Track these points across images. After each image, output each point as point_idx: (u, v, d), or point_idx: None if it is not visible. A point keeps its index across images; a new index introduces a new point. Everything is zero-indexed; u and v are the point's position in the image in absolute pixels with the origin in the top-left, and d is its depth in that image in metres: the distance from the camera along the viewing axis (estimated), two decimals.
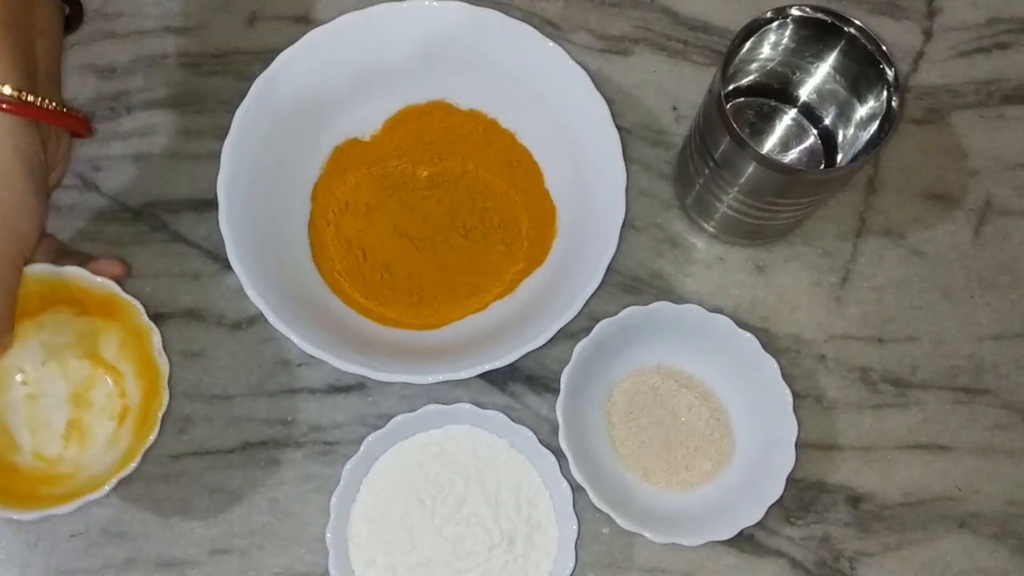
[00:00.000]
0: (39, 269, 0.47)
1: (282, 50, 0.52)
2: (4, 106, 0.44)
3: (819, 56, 0.50)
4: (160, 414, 0.46)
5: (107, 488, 0.45)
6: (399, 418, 0.50)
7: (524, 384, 0.54)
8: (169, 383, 0.47)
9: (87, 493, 0.45)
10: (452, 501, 0.50)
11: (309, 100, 0.53)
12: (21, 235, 0.45)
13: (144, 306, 0.53)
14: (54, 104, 0.46)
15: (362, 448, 0.49)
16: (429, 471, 0.50)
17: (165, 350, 0.49)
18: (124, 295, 0.47)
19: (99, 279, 0.47)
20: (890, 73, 0.46)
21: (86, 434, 0.50)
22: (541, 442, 0.50)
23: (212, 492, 0.52)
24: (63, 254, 0.51)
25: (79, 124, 0.49)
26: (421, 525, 0.49)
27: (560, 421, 0.49)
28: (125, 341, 0.50)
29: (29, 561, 0.50)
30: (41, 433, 0.49)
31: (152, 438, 0.46)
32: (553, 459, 0.49)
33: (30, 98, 0.45)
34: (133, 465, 0.45)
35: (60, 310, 0.49)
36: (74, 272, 0.47)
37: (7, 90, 0.44)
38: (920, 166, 0.58)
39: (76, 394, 0.50)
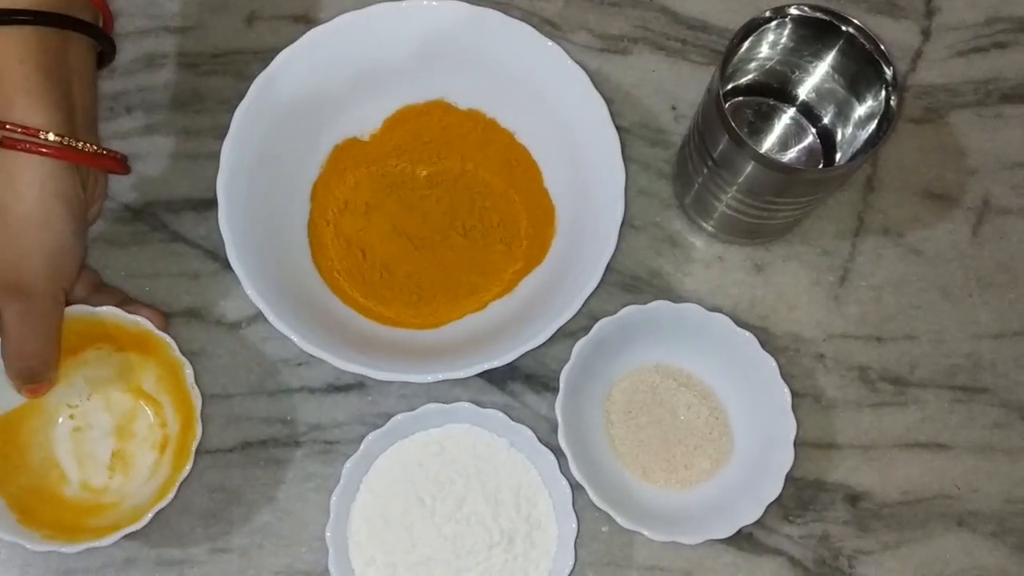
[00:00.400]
0: (76, 310, 0.48)
1: (281, 50, 0.52)
2: (44, 150, 0.45)
3: (818, 55, 0.50)
4: (194, 446, 0.47)
5: (146, 520, 0.46)
6: (399, 417, 0.50)
7: (523, 383, 0.54)
8: None
9: (128, 525, 0.46)
10: (452, 500, 0.50)
11: (308, 99, 0.53)
12: (62, 274, 0.47)
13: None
14: (93, 146, 0.48)
15: (362, 447, 0.49)
16: (429, 470, 0.50)
17: None
18: (157, 332, 0.49)
19: (132, 317, 0.49)
20: (888, 72, 0.46)
21: (130, 464, 0.51)
22: (540, 441, 0.50)
23: (212, 491, 0.52)
24: (100, 288, 0.52)
25: (117, 164, 0.51)
26: (421, 524, 0.49)
27: (559, 420, 0.49)
28: (162, 375, 0.51)
29: (29, 560, 0.50)
30: (88, 464, 0.51)
31: (187, 470, 0.47)
32: (552, 458, 0.49)
33: (72, 143, 0.46)
34: (170, 497, 0.47)
35: (100, 347, 0.51)
36: (108, 311, 0.49)
37: (51, 136, 0.45)
38: (918, 165, 0.58)
39: (120, 426, 0.51)
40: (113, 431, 0.51)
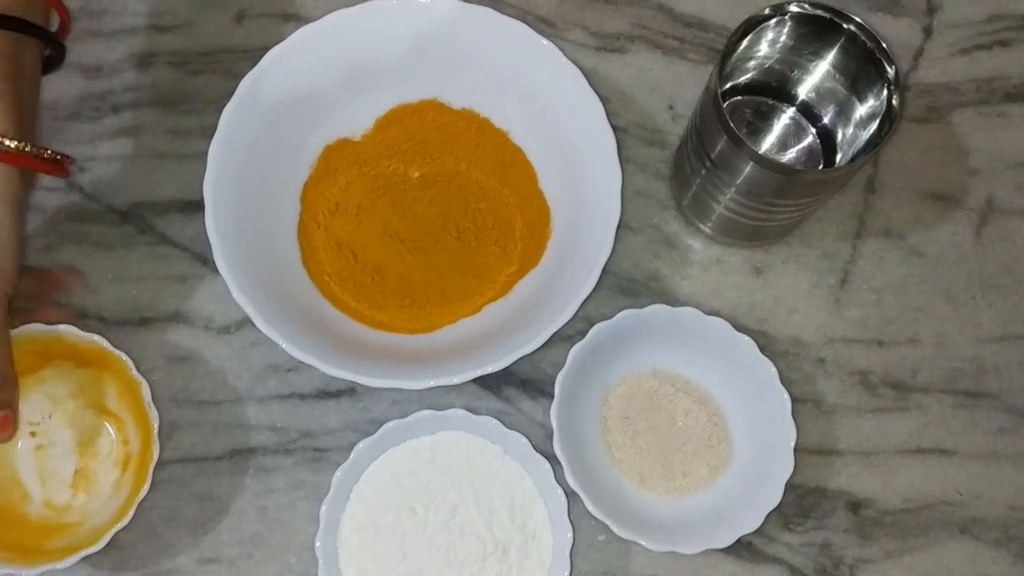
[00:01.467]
0: (30, 329, 0.48)
1: (271, 48, 0.51)
2: (5, 157, 0.45)
3: (818, 54, 0.49)
4: (152, 467, 0.47)
5: (103, 542, 0.46)
6: (390, 424, 0.49)
7: (518, 389, 0.53)
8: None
9: (86, 547, 0.46)
10: (444, 509, 0.49)
11: (298, 99, 0.53)
12: (5, 276, 0.46)
13: (130, 310, 0.53)
14: (49, 151, 0.48)
15: (352, 455, 0.49)
16: (421, 478, 0.49)
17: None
18: (113, 350, 0.48)
19: (88, 336, 0.48)
20: (890, 71, 0.46)
21: (92, 482, 0.50)
22: (535, 448, 0.49)
23: (200, 500, 0.51)
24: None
25: (62, 170, 0.50)
26: (412, 534, 0.48)
27: (555, 426, 0.48)
28: (122, 392, 0.50)
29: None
30: (50, 482, 0.50)
31: (145, 490, 0.47)
32: (547, 465, 0.49)
33: (29, 148, 0.46)
34: (128, 518, 0.46)
35: (59, 364, 0.50)
36: (65, 329, 0.48)
37: (11, 143, 0.45)
38: (920, 165, 0.57)
39: (82, 443, 0.51)
40: (75, 448, 0.51)
